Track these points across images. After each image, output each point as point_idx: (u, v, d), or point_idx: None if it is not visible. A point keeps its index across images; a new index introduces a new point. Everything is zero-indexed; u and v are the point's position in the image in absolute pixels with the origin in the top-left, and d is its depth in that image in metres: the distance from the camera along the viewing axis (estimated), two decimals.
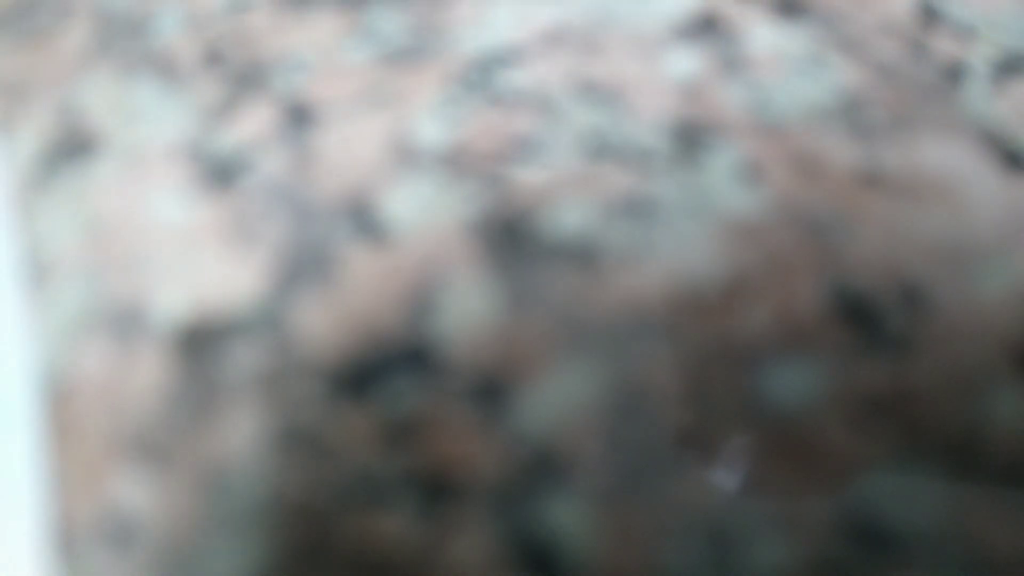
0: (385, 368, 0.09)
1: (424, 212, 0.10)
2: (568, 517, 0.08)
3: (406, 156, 0.11)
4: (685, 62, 0.12)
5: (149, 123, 0.11)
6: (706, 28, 0.12)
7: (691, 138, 0.11)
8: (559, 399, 0.08)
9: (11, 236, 0.11)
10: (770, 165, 0.11)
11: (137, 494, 0.08)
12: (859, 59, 0.12)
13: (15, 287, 0.12)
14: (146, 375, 0.08)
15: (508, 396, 0.09)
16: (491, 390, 0.09)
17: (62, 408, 0.08)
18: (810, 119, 0.11)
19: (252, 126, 0.11)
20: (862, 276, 0.10)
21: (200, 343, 0.09)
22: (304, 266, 0.09)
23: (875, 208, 0.10)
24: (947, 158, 0.11)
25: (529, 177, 0.10)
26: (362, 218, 0.10)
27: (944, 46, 0.12)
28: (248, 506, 0.08)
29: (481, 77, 0.12)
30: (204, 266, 0.09)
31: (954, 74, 0.12)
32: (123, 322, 0.09)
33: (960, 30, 0.13)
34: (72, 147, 0.11)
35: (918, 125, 0.11)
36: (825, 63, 0.12)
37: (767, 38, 0.12)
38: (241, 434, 0.08)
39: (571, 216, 0.10)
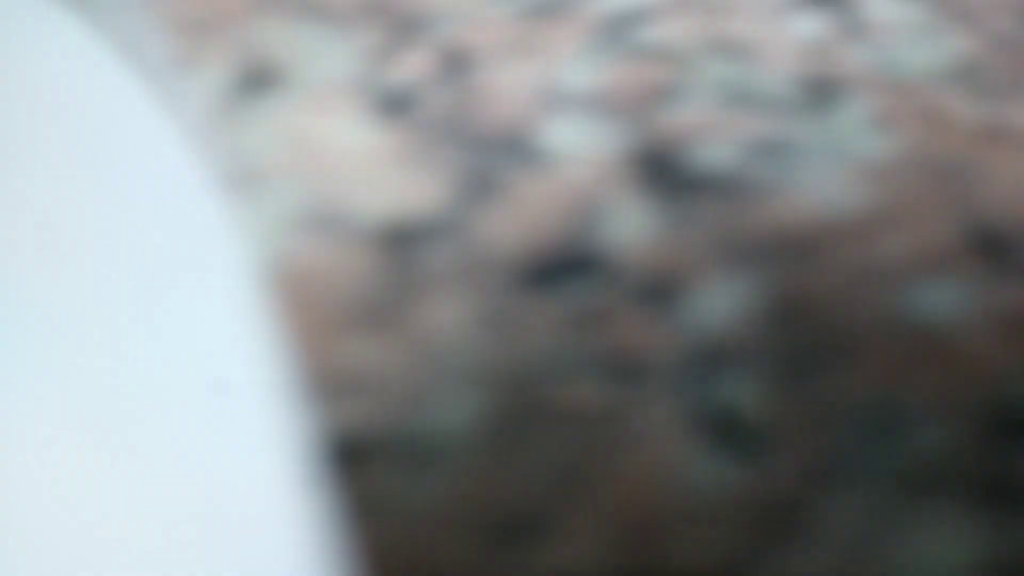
0: (561, 270, 0.10)
1: (579, 144, 0.11)
2: (744, 395, 0.09)
3: (557, 96, 0.11)
4: (809, 25, 0.13)
5: (321, 62, 0.12)
6: None
7: (821, 90, 0.12)
8: (723, 304, 0.09)
9: (200, 155, 0.12)
10: (898, 116, 0.11)
11: (364, 355, 0.09)
12: (974, 29, 0.13)
13: (207, 198, 0.12)
14: (356, 263, 0.09)
15: (676, 298, 0.09)
16: (659, 292, 0.09)
17: (286, 288, 0.09)
18: (932, 79, 0.12)
19: (415, 67, 0.12)
20: (994, 214, 0.10)
21: (400, 240, 0.10)
22: (477, 186, 0.10)
23: (1002, 157, 0.11)
24: None
25: (673, 118, 0.11)
26: (524, 148, 0.11)
27: None
28: (459, 371, 0.09)
29: (618, 32, 0.12)
30: (391, 181, 0.10)
31: None
32: (330, 221, 0.10)
33: None
34: (257, 78, 0.12)
35: None
36: (942, 31, 0.13)
37: (885, 7, 0.13)
38: (446, 313, 0.09)
39: (716, 152, 0.11)
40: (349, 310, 0.09)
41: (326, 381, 0.08)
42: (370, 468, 0.08)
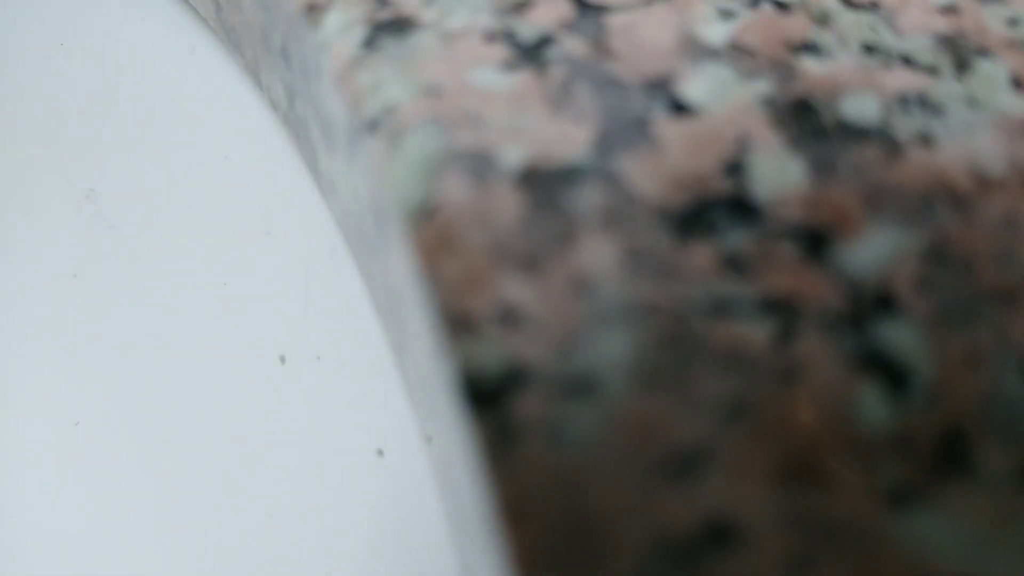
0: (711, 211, 0.10)
1: (721, 92, 0.11)
2: (903, 339, 0.09)
3: (697, 46, 0.11)
4: None
5: (455, 9, 0.12)
6: None
7: (960, 50, 0.12)
8: (878, 251, 0.09)
9: (334, 99, 0.12)
10: None
11: (520, 292, 0.09)
12: None
13: (331, 147, 0.13)
14: (504, 203, 0.09)
15: (830, 244, 0.09)
16: (813, 237, 0.09)
17: (434, 228, 0.09)
18: None
19: (548, 15, 0.12)
20: None
21: (546, 183, 0.10)
22: (622, 130, 0.10)
23: None
24: None
25: (814, 68, 0.11)
26: (667, 94, 0.11)
27: None
28: (614, 306, 0.09)
29: None
30: (535, 124, 0.10)
31: None
32: (474, 162, 0.10)
33: None
34: (393, 24, 0.12)
35: None
36: None
37: None
38: (597, 253, 0.09)
39: (861, 104, 0.11)
40: (502, 250, 0.09)
41: (484, 318, 0.09)
42: (531, 399, 0.08)
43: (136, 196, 0.19)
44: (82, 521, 0.17)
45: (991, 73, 0.11)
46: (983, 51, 0.12)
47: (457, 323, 0.09)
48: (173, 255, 0.18)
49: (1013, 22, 0.12)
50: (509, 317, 0.09)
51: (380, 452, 0.14)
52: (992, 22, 0.12)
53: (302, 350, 0.16)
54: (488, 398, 0.08)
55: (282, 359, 0.16)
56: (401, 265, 0.10)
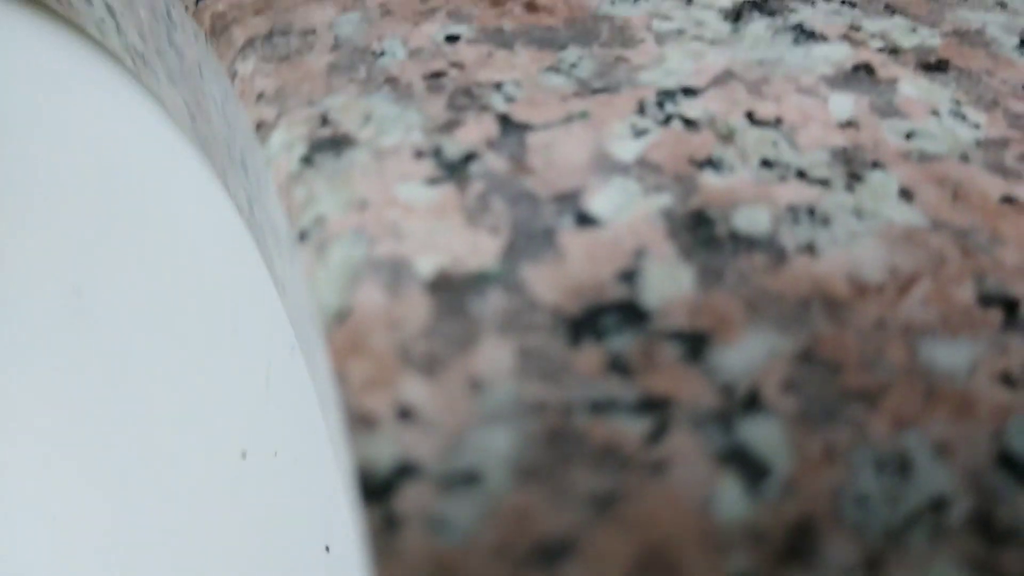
0: (603, 316, 0.10)
1: (626, 204, 0.12)
2: (766, 437, 0.09)
3: (608, 162, 0.12)
4: (844, 103, 0.14)
5: (389, 128, 0.13)
6: (861, 77, 0.14)
7: (854, 163, 0.13)
8: (752, 354, 0.10)
9: (277, 209, 0.13)
10: (923, 187, 0.12)
11: (418, 393, 0.09)
12: (994, 111, 0.14)
13: (269, 249, 0.14)
14: (414, 309, 0.10)
15: (709, 347, 0.10)
16: (694, 341, 0.10)
17: (347, 331, 0.10)
18: (955, 155, 0.13)
19: (474, 134, 0.13)
20: (1004, 276, 0.11)
21: (455, 289, 0.11)
22: (530, 240, 0.11)
23: (1015, 226, 0.12)
24: None
25: (713, 182, 0.12)
26: (575, 207, 0.12)
27: None
28: (503, 405, 0.09)
29: (663, 106, 0.14)
30: (450, 235, 0.11)
31: None
32: (390, 271, 0.11)
33: None
34: (330, 143, 0.13)
35: None
36: (964, 112, 0.14)
37: (913, 89, 0.14)
38: (494, 355, 0.10)
39: (752, 215, 0.12)
40: (406, 353, 0.10)
41: (382, 417, 0.09)
42: (416, 492, 0.09)
43: (118, 293, 0.20)
44: None
45: (882, 185, 0.12)
46: (877, 164, 0.13)
47: (358, 421, 0.09)
48: (149, 351, 0.19)
49: (910, 135, 0.13)
50: (406, 416, 0.09)
51: (327, 548, 0.15)
52: (889, 135, 0.13)
53: (262, 445, 0.17)
54: (378, 491, 0.09)
55: (243, 454, 0.17)
56: (323, 365, 0.10)
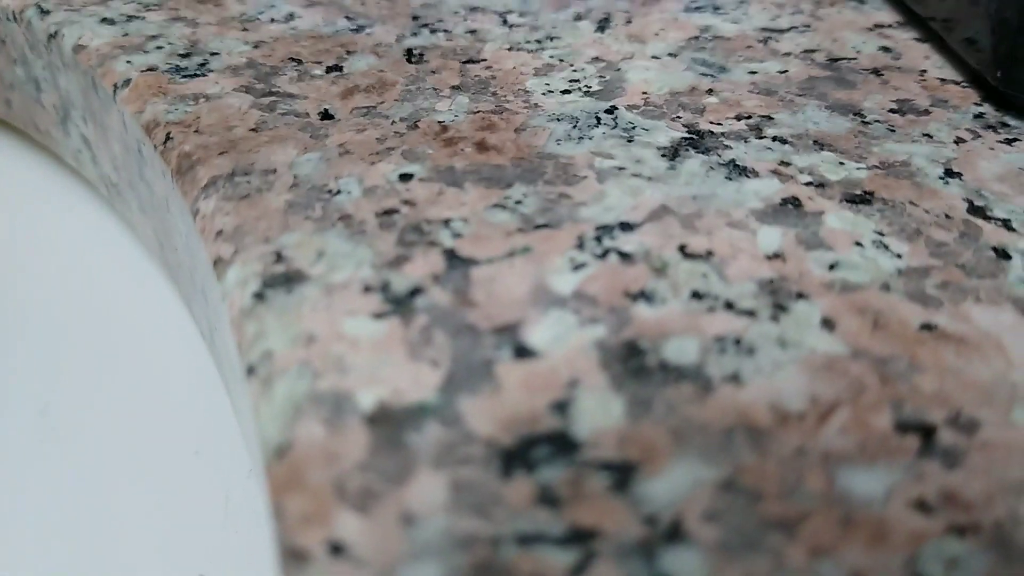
0: (536, 448, 0.11)
1: (561, 337, 0.12)
2: (686, 567, 0.09)
3: (547, 295, 0.13)
4: (772, 236, 0.14)
5: (340, 264, 0.14)
6: (788, 210, 0.15)
7: (780, 294, 0.13)
8: (677, 485, 0.10)
9: (231, 342, 0.14)
10: (845, 316, 0.13)
11: (351, 528, 0.10)
12: (917, 241, 0.14)
13: (227, 381, 0.14)
14: (352, 443, 0.11)
15: (636, 478, 0.10)
16: (622, 471, 0.11)
17: (286, 466, 0.10)
18: (877, 285, 0.14)
19: (421, 269, 0.14)
20: (921, 403, 0.11)
21: (393, 423, 0.11)
22: (469, 372, 0.12)
23: (933, 354, 0.12)
24: (995, 320, 0.13)
25: (645, 314, 0.13)
26: (513, 340, 0.12)
27: (990, 234, 0.15)
28: (434, 539, 0.10)
29: (601, 241, 0.14)
30: (392, 368, 0.12)
31: (1000, 256, 0.14)
32: (332, 405, 0.11)
33: (1003, 221, 0.15)
34: (283, 279, 0.13)
35: (970, 294, 0.13)
36: (887, 242, 0.14)
37: (839, 221, 0.15)
38: (428, 488, 0.10)
39: (681, 345, 0.12)
40: (342, 488, 0.10)
41: (315, 553, 0.10)
42: None
43: (84, 414, 0.20)
44: None
45: (805, 314, 0.13)
46: (801, 294, 0.13)
47: (291, 556, 0.10)
48: (113, 472, 0.19)
49: (833, 266, 0.14)
50: (337, 552, 0.10)
51: None
52: (814, 266, 0.14)
53: (219, 570, 0.17)
54: None
55: None
56: (266, 499, 0.11)
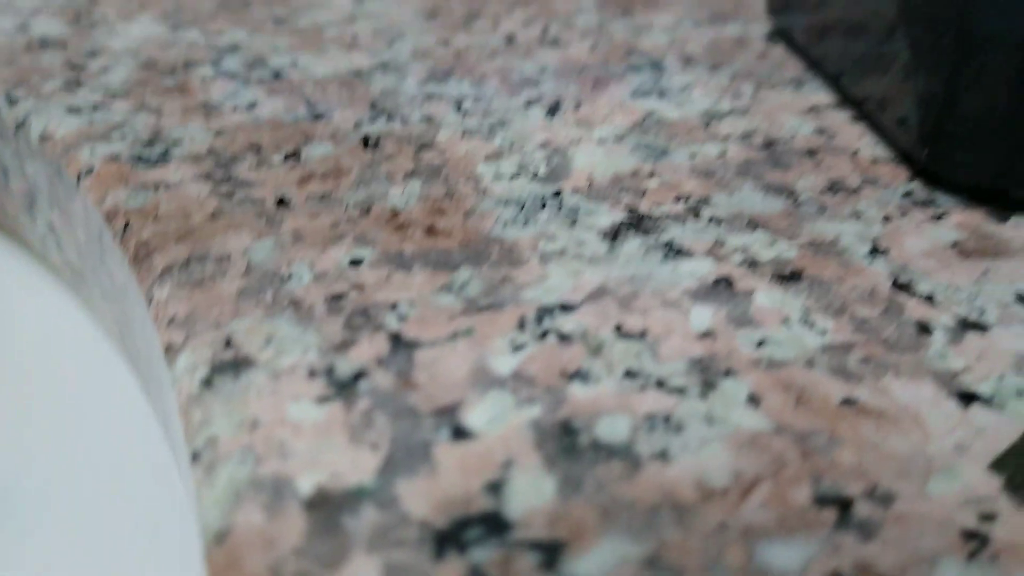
0: (468, 528, 0.11)
1: (498, 417, 0.13)
2: None
3: (486, 376, 0.14)
4: (704, 315, 0.15)
5: (288, 349, 0.14)
6: (721, 290, 0.16)
7: (708, 372, 0.14)
8: (603, 562, 0.11)
9: (176, 427, 0.14)
10: (770, 394, 0.13)
11: None
12: (842, 317, 0.15)
13: (178, 466, 0.14)
14: (290, 527, 0.11)
15: (564, 556, 0.11)
16: (551, 550, 0.11)
17: (224, 551, 0.11)
18: (801, 361, 0.14)
19: (366, 353, 0.14)
20: (840, 476, 0.12)
21: (331, 506, 0.11)
22: (408, 454, 0.12)
23: (853, 428, 0.13)
24: (914, 394, 0.14)
25: (580, 393, 0.13)
26: (452, 421, 0.13)
27: (913, 309, 0.15)
28: None
29: (541, 322, 0.15)
30: (333, 452, 0.12)
31: (921, 331, 0.15)
32: (272, 490, 0.12)
33: (926, 297, 0.16)
34: (231, 365, 0.14)
35: (891, 368, 0.14)
36: (814, 319, 0.15)
37: (768, 299, 0.16)
38: (361, 570, 0.10)
39: (612, 424, 0.13)
40: (278, 572, 0.10)
41: None
42: None
43: (42, 498, 0.20)
44: None
45: (732, 392, 0.14)
46: (729, 371, 0.14)
47: None
48: (73, 556, 0.19)
49: (761, 343, 0.15)
50: None
51: None
52: (742, 344, 0.15)
53: None
54: None
55: None
56: None
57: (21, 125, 0.22)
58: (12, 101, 0.23)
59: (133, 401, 0.20)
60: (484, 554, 0.11)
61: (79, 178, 0.20)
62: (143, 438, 0.20)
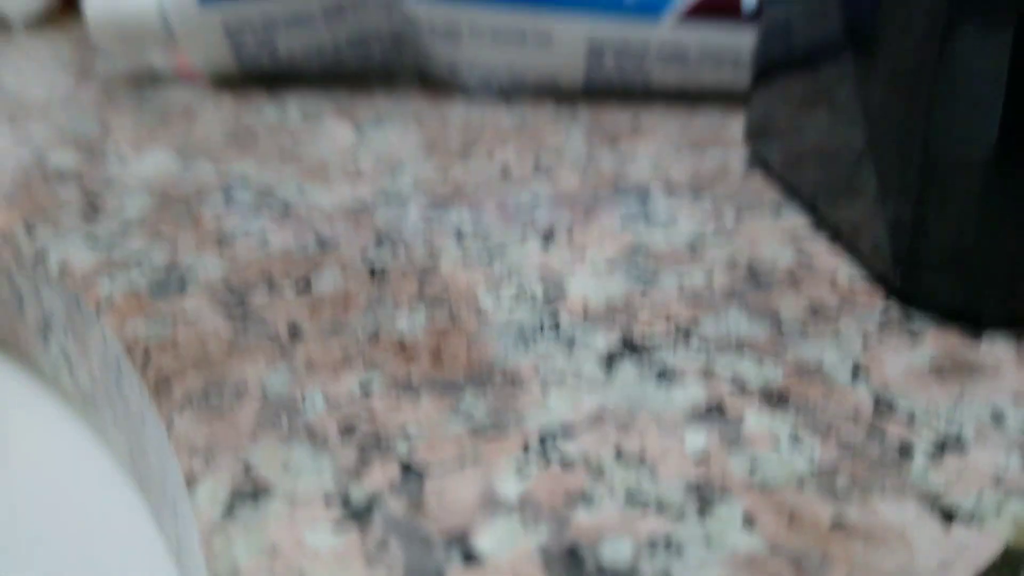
0: None
1: (508, 541, 0.14)
2: None
3: (494, 502, 0.14)
4: (698, 438, 0.16)
5: (303, 476, 0.15)
6: (713, 413, 0.17)
7: (704, 494, 0.15)
8: None
9: (199, 556, 0.14)
10: (763, 515, 0.14)
11: None
12: (829, 438, 0.16)
13: None
14: None
15: None
16: None
17: None
18: (792, 482, 0.15)
19: (379, 479, 0.15)
20: None
21: None
22: None
23: (844, 548, 0.14)
24: (899, 514, 0.14)
25: (584, 517, 0.14)
26: (463, 546, 0.13)
27: (895, 430, 0.16)
28: None
29: (545, 446, 0.16)
30: None
31: (903, 451, 0.16)
32: None
33: (906, 417, 0.17)
34: (248, 493, 0.15)
35: (876, 489, 0.15)
36: (802, 441, 0.16)
37: (758, 422, 0.16)
38: None
39: (616, 547, 0.13)
40: None
41: None
42: None
43: None
44: None
45: (728, 514, 0.14)
46: (724, 494, 0.15)
47: None
48: None
49: (753, 465, 0.15)
50: None
51: None
52: (736, 467, 0.15)
53: None
54: None
55: None
56: None
57: (40, 256, 0.24)
58: (30, 231, 0.25)
59: (143, 527, 0.21)
60: None
61: (98, 308, 0.21)
62: (153, 564, 0.20)
